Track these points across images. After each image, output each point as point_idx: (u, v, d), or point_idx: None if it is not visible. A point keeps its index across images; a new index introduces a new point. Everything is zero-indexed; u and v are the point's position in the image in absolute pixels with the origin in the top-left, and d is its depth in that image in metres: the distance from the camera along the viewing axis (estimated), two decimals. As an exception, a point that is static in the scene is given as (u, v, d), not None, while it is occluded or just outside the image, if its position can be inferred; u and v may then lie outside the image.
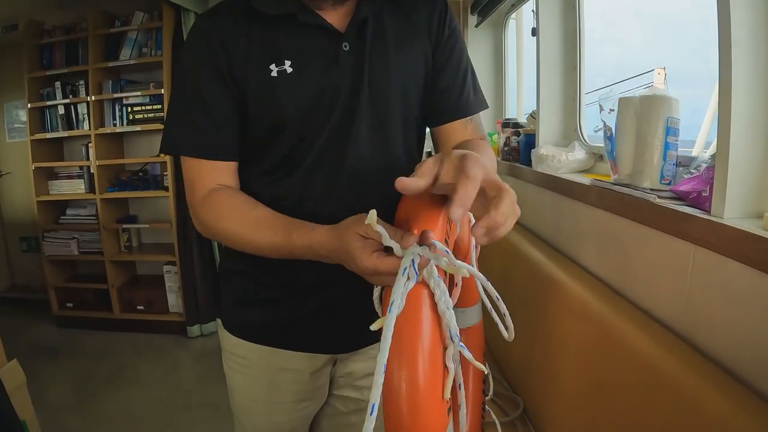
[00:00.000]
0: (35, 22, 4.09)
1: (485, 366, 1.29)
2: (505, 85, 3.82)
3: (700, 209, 1.27)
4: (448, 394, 0.72)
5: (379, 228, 0.74)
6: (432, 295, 0.73)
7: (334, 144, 1.02)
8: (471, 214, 1.03)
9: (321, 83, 0.99)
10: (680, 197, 1.37)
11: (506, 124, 2.96)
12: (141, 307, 4.14)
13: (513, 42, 3.72)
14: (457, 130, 1.13)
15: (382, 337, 0.66)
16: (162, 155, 3.94)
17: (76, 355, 3.84)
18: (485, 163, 0.70)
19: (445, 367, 0.73)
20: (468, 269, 0.76)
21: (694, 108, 1.70)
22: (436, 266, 0.73)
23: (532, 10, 2.57)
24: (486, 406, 1.62)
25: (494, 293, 0.87)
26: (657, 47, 2.11)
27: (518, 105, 3.70)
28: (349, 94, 1.01)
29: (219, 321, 1.26)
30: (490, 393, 1.56)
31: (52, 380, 3.28)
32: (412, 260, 0.69)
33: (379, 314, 0.81)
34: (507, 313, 0.90)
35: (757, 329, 1.08)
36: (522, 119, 3.18)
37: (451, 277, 0.84)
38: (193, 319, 4.00)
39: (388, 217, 0.81)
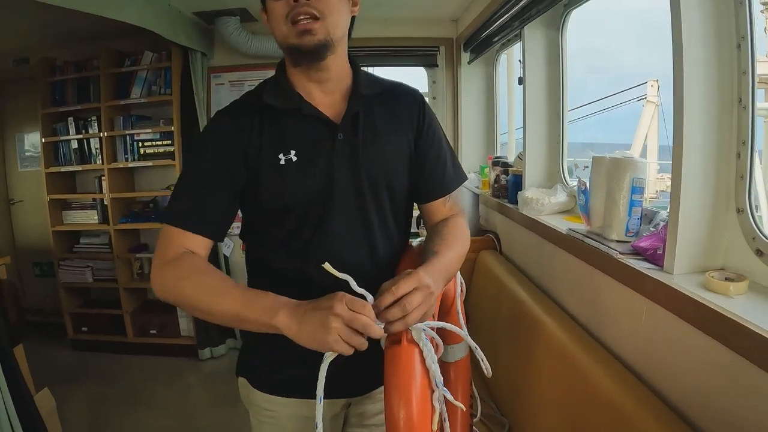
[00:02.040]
0: (47, 59, 4.24)
1: (474, 393, 1.56)
2: (496, 119, 4.01)
3: (655, 265, 1.51)
4: (435, 426, 1.01)
5: (345, 275, 1.01)
6: (422, 353, 1.02)
7: (332, 220, 1.20)
8: (461, 279, 1.37)
9: (321, 169, 1.19)
10: (640, 252, 1.60)
11: (496, 163, 3.18)
12: (154, 332, 4.31)
13: (504, 76, 3.92)
14: (438, 206, 1.35)
15: None
16: (172, 188, 4.11)
17: (92, 377, 3.99)
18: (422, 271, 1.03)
19: (433, 406, 1.02)
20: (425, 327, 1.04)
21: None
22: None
23: (519, 60, 2.78)
24: (474, 427, 1.85)
25: (471, 342, 1.16)
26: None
27: (510, 129, 3.90)
28: (346, 178, 1.20)
29: (243, 380, 1.38)
30: (478, 415, 1.76)
31: (70, 402, 3.38)
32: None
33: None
34: (484, 358, 1.14)
35: (697, 376, 1.31)
36: (513, 150, 3.40)
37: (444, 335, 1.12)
38: (204, 342, 4.17)
39: (371, 277, 1.08)
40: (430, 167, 1.32)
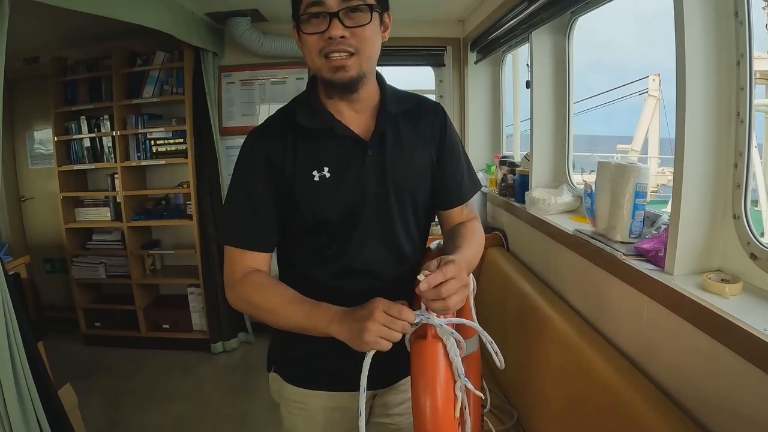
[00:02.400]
0: (58, 59, 4.30)
1: (483, 385, 1.66)
2: (501, 118, 4.07)
3: (657, 266, 1.61)
4: (457, 414, 1.13)
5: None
6: (445, 347, 1.13)
7: (361, 229, 1.29)
8: (473, 278, 1.45)
9: (353, 183, 1.26)
10: (642, 254, 1.69)
11: (503, 162, 3.26)
12: (167, 326, 4.39)
13: (510, 76, 3.98)
14: (455, 213, 1.46)
15: None
16: (184, 186, 4.24)
17: (107, 371, 4.06)
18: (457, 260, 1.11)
19: (455, 395, 1.14)
20: (448, 328, 1.14)
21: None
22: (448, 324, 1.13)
23: (527, 64, 2.85)
24: (484, 417, 1.95)
25: (487, 337, 1.27)
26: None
27: (515, 127, 3.96)
28: (374, 190, 1.28)
29: (274, 374, 1.47)
30: (488, 406, 1.85)
31: (86, 396, 3.35)
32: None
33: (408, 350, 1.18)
34: (498, 351, 1.28)
35: (692, 369, 1.41)
36: (518, 148, 3.47)
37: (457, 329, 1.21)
38: (217, 336, 4.26)
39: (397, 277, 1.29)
40: (450, 178, 1.41)
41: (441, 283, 1.06)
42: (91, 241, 4.54)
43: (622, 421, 1.50)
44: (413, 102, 1.39)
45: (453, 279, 1.07)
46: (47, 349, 2.51)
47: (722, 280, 1.39)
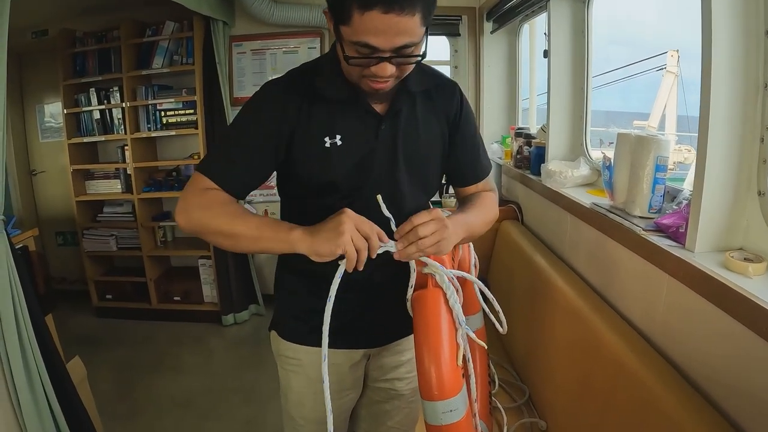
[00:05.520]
0: (67, 31, 4.26)
1: (490, 367, 1.64)
2: (518, 89, 4.00)
3: (677, 242, 1.55)
4: (460, 362, 1.16)
5: (388, 214, 1.17)
6: (445, 295, 1.18)
7: (369, 195, 1.25)
8: (475, 255, 1.53)
9: (363, 152, 1.26)
10: (662, 230, 1.64)
11: (519, 134, 3.20)
12: (177, 298, 4.41)
13: (526, 45, 3.90)
14: (470, 189, 1.48)
15: None
16: (194, 157, 4.22)
17: (118, 343, 4.08)
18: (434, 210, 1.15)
19: (457, 343, 1.17)
20: (449, 273, 1.22)
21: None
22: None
23: (545, 33, 2.78)
24: (493, 397, 1.93)
25: (489, 294, 1.31)
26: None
27: (531, 98, 3.90)
28: (386, 163, 1.28)
29: (273, 332, 1.50)
30: (496, 386, 1.84)
31: (96, 368, 3.37)
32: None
33: (411, 314, 1.22)
34: (500, 311, 1.28)
35: (712, 350, 1.37)
36: (534, 120, 3.41)
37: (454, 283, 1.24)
38: (227, 308, 4.27)
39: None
40: (467, 156, 1.43)
41: (415, 226, 1.10)
42: (101, 213, 4.54)
43: (635, 398, 1.46)
44: (433, 81, 1.36)
45: (431, 221, 1.11)
46: (58, 322, 2.51)
47: (745, 259, 1.34)
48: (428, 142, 1.34)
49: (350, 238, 1.04)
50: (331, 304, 1.09)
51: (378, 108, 1.26)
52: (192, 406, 3.20)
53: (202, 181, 1.22)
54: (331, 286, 1.09)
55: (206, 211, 1.18)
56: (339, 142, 1.24)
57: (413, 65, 1.15)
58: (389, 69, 1.08)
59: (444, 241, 1.13)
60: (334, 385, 1.40)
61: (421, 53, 1.11)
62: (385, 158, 1.27)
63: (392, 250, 1.12)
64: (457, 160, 1.41)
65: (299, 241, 1.09)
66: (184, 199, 1.21)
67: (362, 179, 1.26)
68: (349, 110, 1.25)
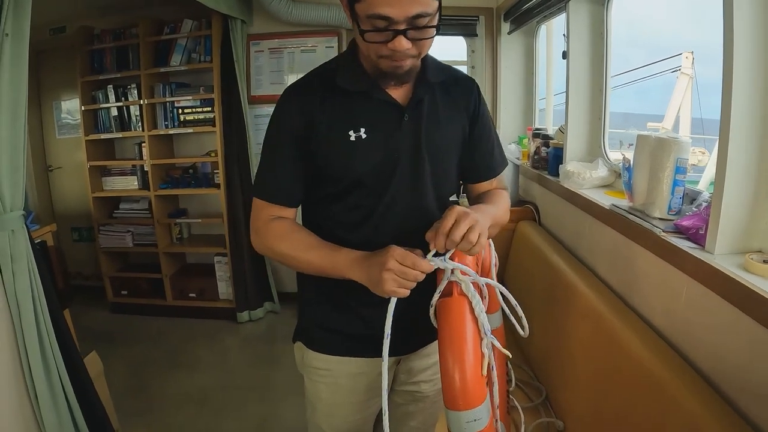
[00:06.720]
0: (85, 28, 4.29)
1: (508, 365, 1.64)
2: (534, 90, 4.00)
3: (697, 244, 1.55)
4: (485, 371, 1.15)
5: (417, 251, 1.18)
6: (470, 303, 1.17)
7: (393, 189, 1.29)
8: (491, 242, 1.51)
9: (388, 145, 1.27)
10: (682, 231, 1.64)
11: (536, 134, 3.20)
12: (193, 295, 4.44)
13: (543, 46, 3.90)
14: (484, 186, 1.50)
15: None
16: (211, 155, 4.23)
17: (133, 339, 4.10)
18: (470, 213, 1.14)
19: (482, 352, 1.16)
20: (480, 280, 1.21)
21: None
22: (471, 283, 1.17)
23: (563, 35, 2.78)
24: (510, 396, 1.94)
25: (512, 299, 1.29)
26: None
27: (548, 99, 3.89)
28: (409, 153, 1.29)
29: (299, 344, 1.50)
30: (513, 385, 1.83)
31: (111, 364, 3.34)
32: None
33: (435, 325, 1.22)
34: (523, 315, 1.28)
35: (732, 352, 1.37)
36: (551, 121, 3.40)
37: (481, 290, 1.24)
38: (243, 305, 4.29)
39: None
40: (483, 151, 1.45)
41: (452, 227, 1.11)
42: (118, 209, 4.57)
43: (654, 399, 1.47)
44: (450, 74, 1.39)
45: (457, 221, 1.12)
46: (73, 317, 2.53)
47: (764, 261, 1.34)
48: (450, 133, 1.35)
49: (395, 287, 1.12)
50: (388, 341, 1.16)
51: (399, 98, 1.28)
52: (207, 402, 3.21)
53: (263, 208, 1.34)
54: (386, 323, 1.16)
55: (279, 243, 1.31)
56: (364, 135, 1.25)
57: (429, 42, 1.17)
58: (405, 43, 1.10)
59: (482, 236, 1.14)
60: (366, 394, 1.46)
61: (435, 25, 1.13)
62: (410, 149, 1.28)
63: (442, 266, 1.16)
64: (474, 155, 1.43)
65: (358, 280, 1.20)
66: (255, 231, 1.35)
67: (388, 172, 1.28)
68: (370, 102, 1.26)
